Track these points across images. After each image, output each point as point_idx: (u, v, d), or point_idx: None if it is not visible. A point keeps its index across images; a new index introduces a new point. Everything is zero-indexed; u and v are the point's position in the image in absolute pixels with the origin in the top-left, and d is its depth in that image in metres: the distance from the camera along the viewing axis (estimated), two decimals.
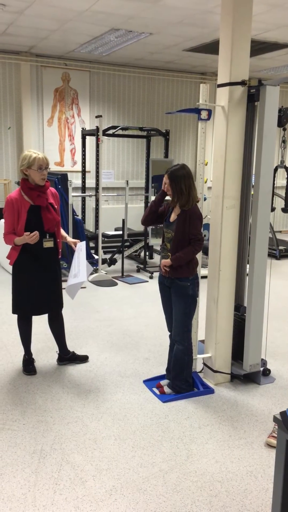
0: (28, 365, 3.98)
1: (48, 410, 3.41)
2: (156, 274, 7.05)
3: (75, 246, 3.87)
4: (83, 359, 4.19)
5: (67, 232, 6.71)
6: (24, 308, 3.85)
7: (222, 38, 3.57)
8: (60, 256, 3.87)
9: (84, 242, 3.87)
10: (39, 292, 3.78)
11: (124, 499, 2.58)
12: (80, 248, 3.85)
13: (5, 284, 6.44)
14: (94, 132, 7.15)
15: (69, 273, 3.92)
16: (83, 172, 8.26)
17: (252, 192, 3.79)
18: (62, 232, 3.92)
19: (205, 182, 8.89)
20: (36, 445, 3.01)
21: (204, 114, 3.59)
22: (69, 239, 3.92)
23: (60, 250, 3.86)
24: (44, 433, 3.14)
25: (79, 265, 3.78)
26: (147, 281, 6.91)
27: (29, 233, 3.56)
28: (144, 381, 3.87)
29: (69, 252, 6.70)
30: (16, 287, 3.80)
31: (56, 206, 3.79)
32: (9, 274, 6.93)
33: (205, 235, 4.93)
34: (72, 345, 4.51)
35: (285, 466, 1.94)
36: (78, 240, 3.91)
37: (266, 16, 5.89)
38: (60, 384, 3.79)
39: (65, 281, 3.91)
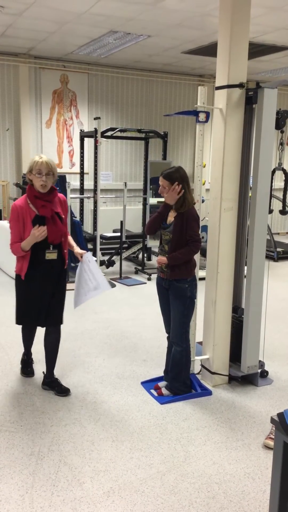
0: (26, 367, 3.95)
1: (46, 412, 3.41)
2: (154, 276, 7.05)
3: (81, 258, 3.64)
4: (63, 391, 3.67)
5: None
6: (25, 319, 3.67)
7: (220, 41, 3.58)
8: (65, 267, 3.62)
9: (90, 253, 3.68)
10: (38, 305, 3.57)
11: (121, 500, 2.58)
12: (88, 259, 3.64)
13: (5, 286, 6.44)
14: (93, 134, 7.16)
15: (82, 288, 3.68)
16: (82, 173, 8.26)
17: (250, 194, 3.80)
18: (71, 241, 3.69)
19: (203, 184, 8.90)
20: (33, 447, 3.01)
21: (202, 117, 3.60)
22: (77, 249, 3.66)
23: (67, 261, 3.62)
24: (41, 434, 3.14)
25: (95, 277, 3.61)
26: (145, 283, 6.91)
27: (38, 225, 3.34)
28: (142, 383, 3.87)
29: (71, 258, 6.70)
30: (17, 298, 3.64)
31: (63, 216, 3.53)
32: (7, 276, 6.92)
33: (203, 237, 4.94)
34: (70, 347, 4.51)
35: (283, 468, 1.94)
36: (85, 251, 3.67)
37: (264, 19, 5.91)
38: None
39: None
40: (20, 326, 3.85)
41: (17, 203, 3.42)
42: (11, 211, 3.44)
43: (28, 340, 3.91)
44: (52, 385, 3.72)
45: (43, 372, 3.80)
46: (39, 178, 3.34)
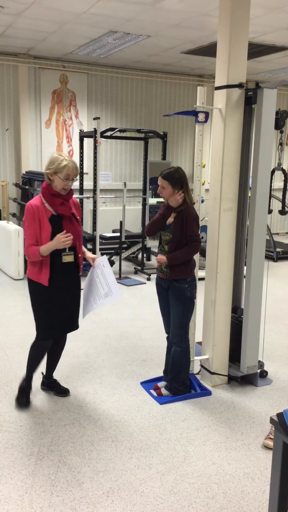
0: (24, 395, 3.54)
1: (45, 412, 3.41)
2: (153, 276, 7.05)
3: (93, 262, 3.48)
4: (62, 392, 3.65)
5: None
6: (50, 332, 3.42)
7: (220, 41, 3.58)
8: (80, 273, 3.46)
9: (105, 257, 3.51)
10: (61, 314, 3.38)
11: (121, 500, 2.58)
12: (102, 264, 3.45)
13: (4, 286, 6.43)
14: (92, 134, 7.16)
15: (92, 295, 3.50)
16: (81, 174, 8.26)
17: (249, 194, 3.80)
18: (82, 246, 3.52)
19: (203, 184, 8.90)
20: (33, 447, 3.01)
21: (201, 117, 3.60)
22: (88, 254, 3.52)
23: (81, 266, 3.45)
24: (41, 435, 3.14)
25: (108, 282, 3.40)
26: (145, 283, 6.91)
27: (64, 232, 3.18)
28: (142, 383, 3.87)
29: None
30: (39, 309, 3.36)
31: (78, 217, 3.40)
32: (6, 275, 6.91)
33: (202, 237, 4.94)
34: (70, 347, 4.50)
35: (282, 468, 1.94)
36: (97, 256, 3.51)
37: (263, 19, 5.91)
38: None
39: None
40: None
41: (32, 202, 3.23)
42: (26, 211, 3.23)
43: (41, 357, 3.52)
44: (51, 385, 3.70)
45: (42, 373, 3.77)
46: (65, 182, 3.20)
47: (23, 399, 3.52)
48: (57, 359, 3.71)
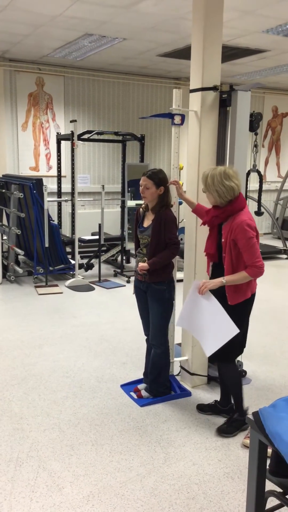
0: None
1: (24, 418, 3.38)
2: (133, 279, 7.05)
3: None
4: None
5: (43, 238, 6.67)
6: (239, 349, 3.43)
7: (194, 44, 3.61)
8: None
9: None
10: None
11: (101, 504, 2.57)
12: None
13: (2, 287, 6.36)
14: (69, 137, 7.14)
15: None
16: (59, 176, 8.22)
17: None
18: None
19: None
20: (12, 453, 2.97)
21: (177, 119, 3.62)
22: None
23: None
24: (20, 440, 3.11)
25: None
26: (124, 286, 6.90)
27: None
28: (122, 386, 3.86)
29: (46, 256, 6.65)
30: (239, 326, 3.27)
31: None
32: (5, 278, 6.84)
33: (181, 239, 4.96)
34: (49, 352, 4.47)
35: (258, 466, 1.96)
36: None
37: (237, 22, 5.98)
38: (37, 391, 3.76)
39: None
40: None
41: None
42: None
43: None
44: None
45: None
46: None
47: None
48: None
